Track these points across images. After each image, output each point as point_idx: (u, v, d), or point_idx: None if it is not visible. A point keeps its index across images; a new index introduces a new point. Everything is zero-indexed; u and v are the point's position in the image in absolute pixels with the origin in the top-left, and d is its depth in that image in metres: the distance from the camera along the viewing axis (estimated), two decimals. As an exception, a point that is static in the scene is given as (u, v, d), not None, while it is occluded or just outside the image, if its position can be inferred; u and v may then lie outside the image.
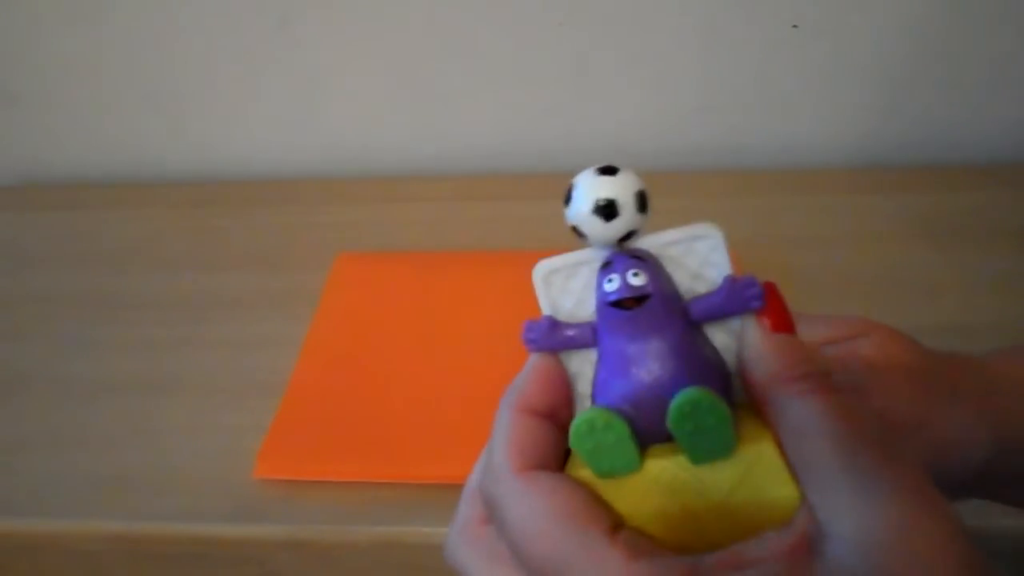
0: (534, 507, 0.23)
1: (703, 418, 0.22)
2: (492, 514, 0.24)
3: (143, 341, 0.56)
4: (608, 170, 0.25)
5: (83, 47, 0.69)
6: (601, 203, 0.24)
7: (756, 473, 0.23)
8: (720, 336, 0.25)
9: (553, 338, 0.26)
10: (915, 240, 0.59)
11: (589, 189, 0.24)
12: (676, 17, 0.65)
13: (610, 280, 0.25)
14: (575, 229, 0.25)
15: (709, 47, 0.66)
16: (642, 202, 0.25)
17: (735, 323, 0.25)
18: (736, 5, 0.64)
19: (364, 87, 0.70)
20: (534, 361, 0.26)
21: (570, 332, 0.26)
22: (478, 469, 0.27)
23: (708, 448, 0.23)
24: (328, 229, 0.64)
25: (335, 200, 0.68)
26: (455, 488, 0.43)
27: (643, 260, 0.25)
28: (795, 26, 0.65)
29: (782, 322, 0.25)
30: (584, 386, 0.26)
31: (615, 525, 0.23)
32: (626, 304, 0.24)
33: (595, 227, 0.24)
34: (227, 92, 0.71)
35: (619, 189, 0.24)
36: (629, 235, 0.25)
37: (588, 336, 0.26)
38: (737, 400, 0.25)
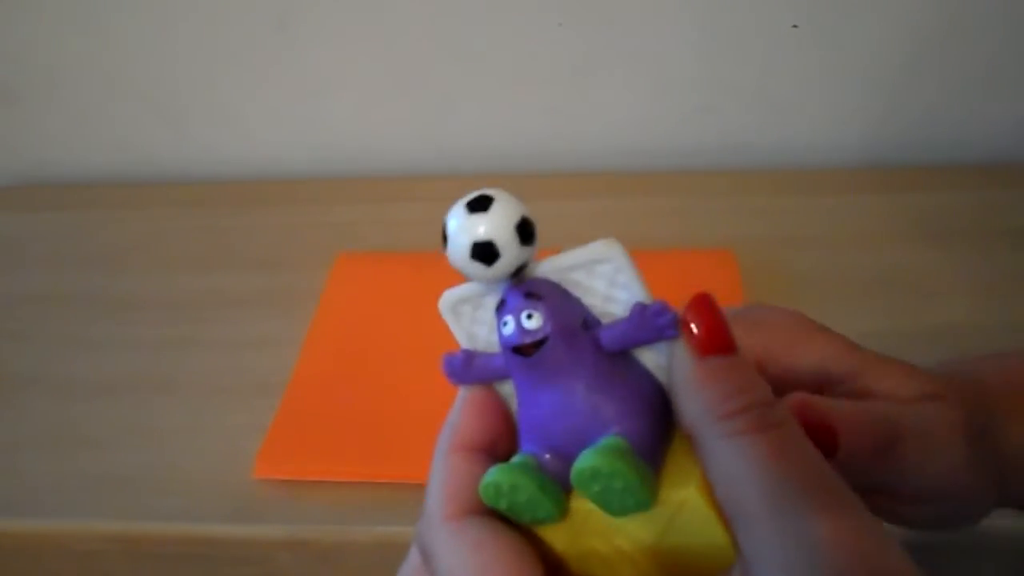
0: (461, 559, 0.22)
1: (607, 482, 0.21)
2: (425, 562, 0.23)
3: (143, 341, 0.56)
4: (480, 204, 0.22)
5: (84, 47, 0.69)
6: (478, 247, 0.22)
7: (682, 520, 0.22)
8: (653, 358, 0.23)
9: (473, 371, 0.24)
10: (915, 240, 0.59)
11: (461, 230, 0.22)
12: (676, 17, 0.65)
13: (505, 323, 0.23)
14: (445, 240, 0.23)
15: (709, 47, 0.66)
16: (525, 233, 0.22)
17: (662, 347, 0.23)
18: (736, 5, 0.64)
19: (364, 87, 0.70)
20: (464, 394, 0.25)
21: (490, 363, 0.24)
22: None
23: (621, 505, 0.22)
24: (328, 229, 0.64)
25: (335, 200, 0.68)
26: (455, 488, 0.44)
27: (539, 297, 0.22)
28: (795, 26, 0.65)
29: (714, 341, 0.21)
30: (513, 412, 0.25)
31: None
32: (525, 350, 0.22)
33: (478, 271, 0.22)
34: (227, 92, 0.71)
35: (495, 227, 0.22)
36: (519, 269, 0.22)
37: (507, 366, 0.24)
38: (681, 427, 0.23)
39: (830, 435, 0.24)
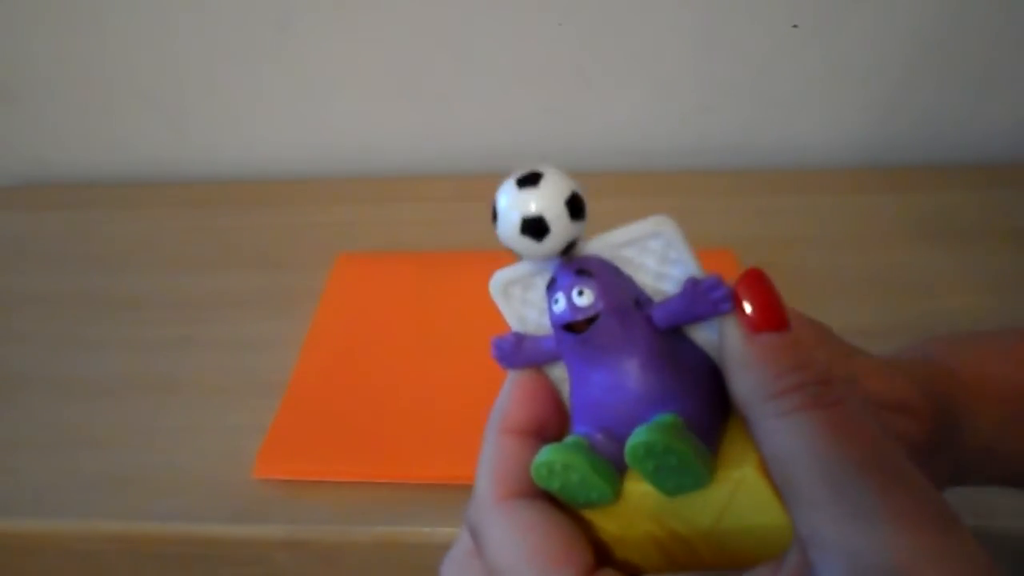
0: (510, 542, 0.21)
1: (662, 459, 0.21)
2: (476, 545, 0.23)
3: (143, 341, 0.56)
4: (530, 179, 0.22)
5: (84, 47, 0.69)
6: (528, 221, 0.21)
7: (739, 501, 0.21)
8: (705, 336, 0.23)
9: (522, 354, 0.24)
10: (915, 240, 0.59)
11: (511, 206, 0.22)
12: (676, 17, 0.65)
13: (556, 301, 0.22)
14: (494, 218, 0.22)
15: (709, 47, 0.66)
16: (575, 208, 0.22)
17: (713, 325, 0.22)
18: (736, 5, 0.64)
19: (364, 87, 0.70)
20: (513, 377, 0.24)
21: (540, 345, 0.24)
22: None
23: (677, 483, 0.21)
24: (328, 229, 0.64)
25: (335, 200, 0.68)
26: (455, 488, 0.44)
27: (589, 274, 0.22)
28: (795, 26, 0.65)
29: (767, 318, 0.21)
30: (566, 395, 0.24)
31: (591, 566, 0.21)
32: (577, 327, 0.22)
33: (528, 247, 0.22)
34: (227, 92, 0.71)
35: (545, 201, 0.21)
36: (570, 246, 0.22)
37: (558, 349, 0.23)
38: (715, 409, 0.23)
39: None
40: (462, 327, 0.53)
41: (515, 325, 0.24)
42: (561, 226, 0.21)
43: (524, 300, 0.24)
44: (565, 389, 0.24)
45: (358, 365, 0.51)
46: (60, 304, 0.59)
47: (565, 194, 0.22)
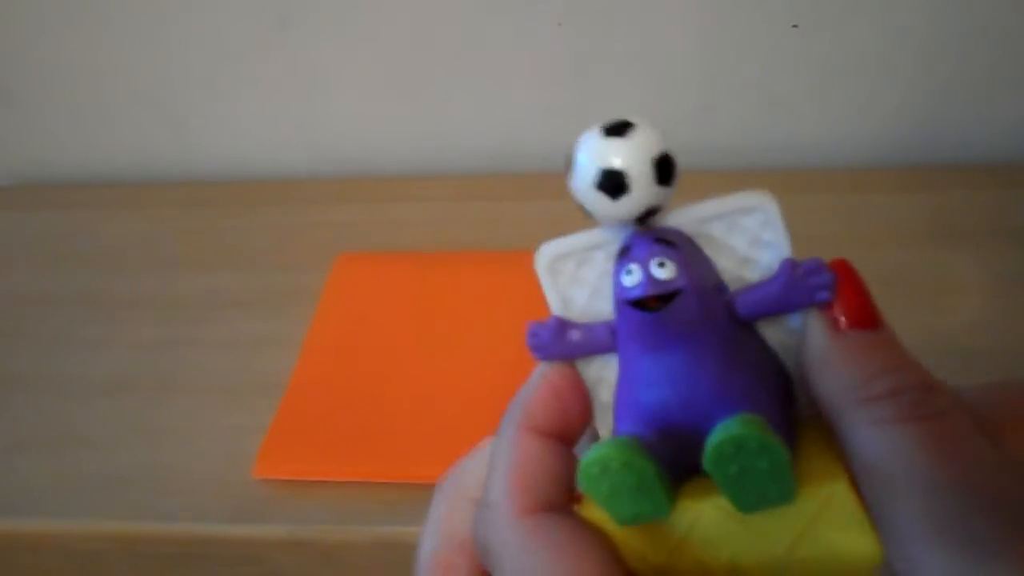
0: (536, 566, 0.18)
1: (751, 461, 0.17)
2: (487, 564, 0.19)
3: (142, 341, 0.55)
4: (618, 129, 0.20)
5: (83, 47, 0.69)
6: (606, 175, 0.19)
7: (825, 523, 0.18)
8: (778, 335, 0.20)
9: (564, 344, 0.21)
10: (917, 240, 0.59)
11: (592, 156, 0.19)
12: (676, 17, 0.65)
13: (629, 272, 0.19)
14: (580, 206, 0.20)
15: (709, 47, 0.66)
16: (664, 170, 0.19)
17: (796, 319, 0.20)
18: (736, 5, 0.64)
19: (363, 87, 0.70)
20: (543, 371, 0.21)
21: (585, 335, 0.21)
22: (446, 497, 0.22)
23: (759, 495, 0.18)
24: (328, 229, 0.64)
25: (335, 200, 0.68)
26: (455, 488, 0.44)
27: (672, 244, 0.19)
28: (795, 26, 0.64)
29: (860, 316, 0.19)
30: (607, 394, 0.21)
31: None
32: (650, 304, 0.19)
33: (601, 205, 0.19)
34: (227, 92, 0.71)
35: (630, 156, 0.19)
36: (649, 212, 0.19)
37: (607, 338, 0.20)
38: (801, 418, 0.20)
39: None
40: (462, 327, 0.53)
41: (557, 308, 0.21)
42: (643, 187, 0.19)
43: (575, 278, 0.21)
44: (601, 392, 0.21)
45: (358, 365, 0.51)
46: (59, 304, 0.59)
47: (654, 152, 0.19)
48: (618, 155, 0.19)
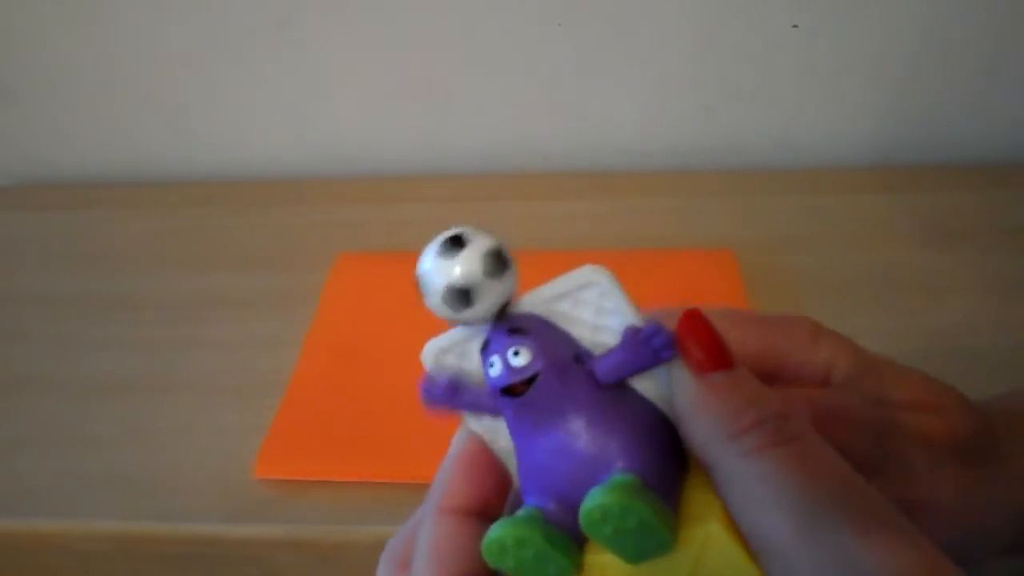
0: None
1: (619, 523, 0.19)
2: None
3: (143, 341, 0.56)
4: (451, 243, 0.22)
5: (83, 47, 0.69)
6: (449, 292, 0.21)
7: (709, 560, 0.20)
8: (648, 385, 0.21)
9: (455, 400, 0.23)
10: (915, 240, 0.59)
11: (434, 276, 0.22)
12: (676, 17, 0.65)
13: (492, 364, 0.21)
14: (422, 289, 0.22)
15: (709, 47, 0.66)
16: (497, 265, 0.21)
17: (661, 371, 0.21)
18: (736, 5, 0.64)
19: (364, 87, 0.70)
20: (455, 450, 0.23)
21: (476, 398, 0.22)
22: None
23: (639, 548, 0.20)
24: (328, 229, 0.64)
25: (335, 200, 0.68)
26: (455, 488, 0.44)
27: (523, 332, 0.21)
28: (795, 26, 0.65)
29: (713, 358, 0.20)
30: (505, 442, 0.23)
31: None
32: (517, 389, 0.21)
33: (455, 316, 0.21)
34: (227, 92, 0.71)
35: (465, 269, 0.21)
36: (503, 307, 0.21)
37: (494, 406, 0.22)
38: (673, 461, 0.21)
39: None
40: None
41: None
42: (485, 291, 0.21)
43: (460, 366, 0.23)
44: (512, 462, 0.23)
45: (358, 365, 0.51)
46: (60, 304, 0.59)
47: (485, 254, 0.21)
48: (458, 272, 0.21)
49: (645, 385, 0.21)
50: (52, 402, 0.52)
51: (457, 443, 0.23)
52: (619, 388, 0.21)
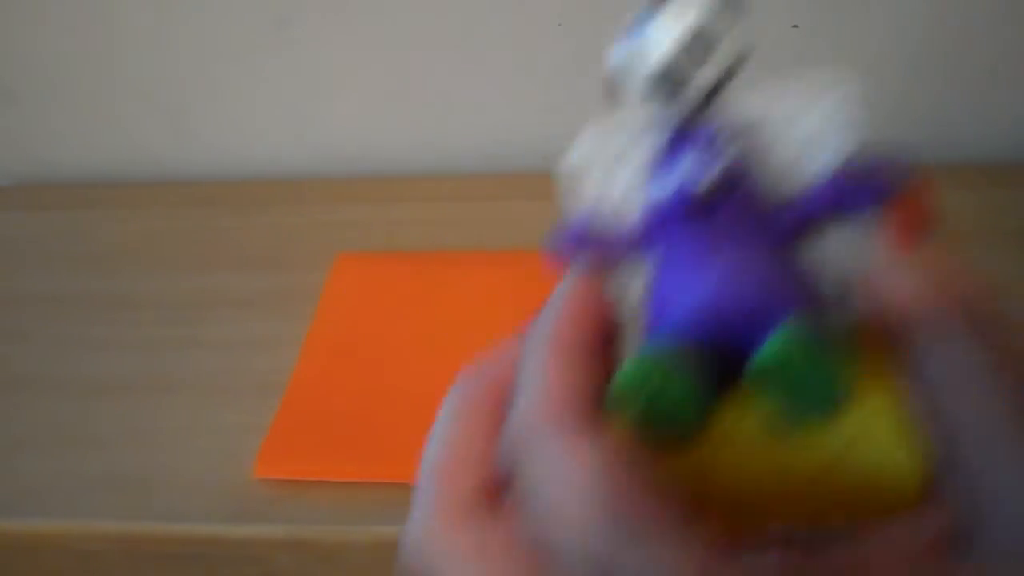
0: (589, 481, 0.16)
1: (799, 373, 0.16)
2: (518, 486, 0.17)
3: (143, 341, 0.55)
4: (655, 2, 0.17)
5: (83, 47, 0.69)
6: (694, 41, 0.17)
7: (870, 435, 0.17)
8: (831, 240, 0.18)
9: (589, 246, 0.19)
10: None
11: (661, 34, 0.17)
12: (676, 17, 0.65)
13: (680, 165, 0.18)
14: (617, 82, 0.18)
15: (709, 47, 0.66)
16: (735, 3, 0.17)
17: (856, 221, 0.18)
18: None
19: (364, 87, 0.70)
20: (569, 285, 0.19)
21: (615, 238, 0.19)
22: (441, 441, 0.21)
23: (805, 408, 0.17)
24: (328, 229, 0.64)
25: (335, 200, 0.68)
26: (455, 488, 0.44)
27: (727, 137, 0.18)
28: (795, 26, 0.64)
29: (918, 226, 0.18)
30: (634, 300, 0.19)
31: (691, 514, 0.16)
32: (701, 200, 0.18)
33: (697, 75, 0.17)
34: (227, 92, 0.71)
35: (705, 8, 0.17)
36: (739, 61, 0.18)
37: (640, 240, 0.19)
38: (846, 325, 0.18)
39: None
40: (462, 327, 0.53)
41: (584, 204, 0.19)
42: (728, 33, 0.17)
43: (605, 182, 0.19)
44: (627, 301, 0.19)
45: (358, 365, 0.51)
46: (60, 304, 0.59)
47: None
48: (690, 15, 0.17)
49: (825, 237, 0.18)
50: (52, 402, 0.52)
51: (568, 285, 0.19)
52: (802, 232, 0.18)
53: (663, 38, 0.17)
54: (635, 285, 0.19)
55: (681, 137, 0.18)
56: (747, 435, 0.17)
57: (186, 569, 0.46)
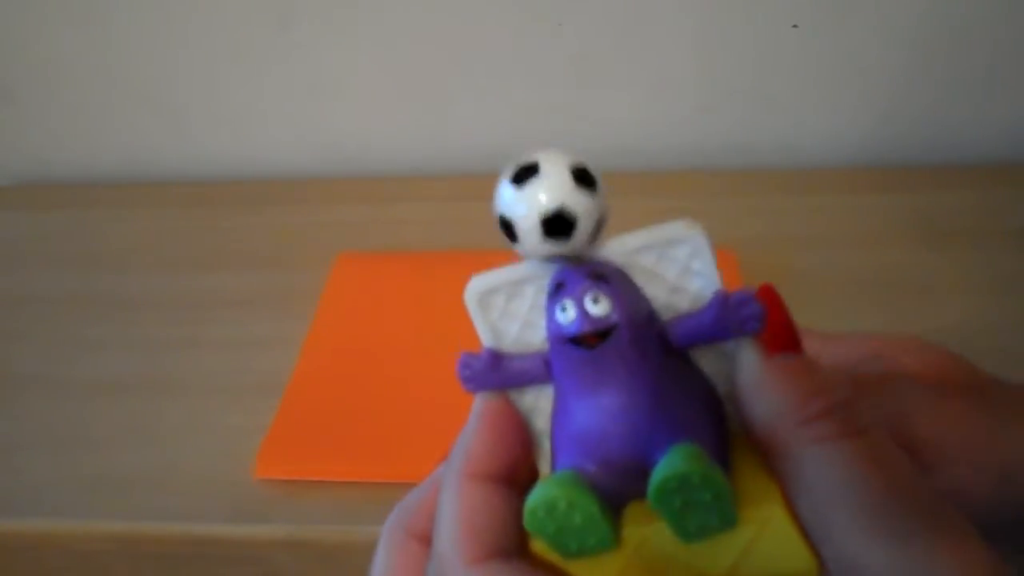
0: None
1: (694, 494, 0.18)
2: None
3: (143, 341, 0.56)
4: (528, 172, 0.19)
5: (83, 47, 0.69)
6: (550, 221, 0.18)
7: (764, 543, 0.19)
8: (710, 359, 0.20)
9: (496, 375, 0.21)
10: (915, 240, 0.59)
11: (520, 208, 0.19)
12: (676, 17, 0.65)
13: (563, 308, 0.19)
14: (508, 229, 0.19)
15: (709, 47, 0.66)
16: (587, 181, 0.19)
17: (729, 345, 0.20)
18: (736, 5, 0.64)
19: (364, 87, 0.70)
20: (480, 410, 0.21)
21: (518, 366, 0.21)
22: (390, 550, 0.22)
23: (701, 525, 0.18)
24: (328, 229, 0.64)
25: (335, 200, 0.68)
26: (455, 488, 0.44)
27: (604, 279, 0.19)
28: (795, 26, 0.65)
29: (785, 340, 0.19)
30: (542, 422, 0.21)
31: None
32: (586, 340, 0.19)
33: (561, 248, 0.19)
34: (227, 92, 0.71)
35: (558, 194, 0.18)
36: (597, 227, 0.20)
37: (541, 370, 0.20)
38: (733, 435, 0.20)
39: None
40: (462, 327, 0.53)
41: (488, 340, 0.21)
42: (584, 210, 0.19)
43: (505, 312, 0.21)
44: (536, 420, 0.21)
45: (358, 365, 0.51)
46: (60, 304, 0.59)
47: (572, 168, 0.19)
48: (540, 199, 0.19)
49: (702, 357, 0.20)
50: (52, 402, 0.52)
51: (481, 402, 0.21)
52: (683, 356, 0.20)
53: (529, 212, 0.19)
54: (543, 407, 0.21)
55: (561, 285, 0.19)
56: (655, 547, 0.19)
57: (186, 569, 0.46)
